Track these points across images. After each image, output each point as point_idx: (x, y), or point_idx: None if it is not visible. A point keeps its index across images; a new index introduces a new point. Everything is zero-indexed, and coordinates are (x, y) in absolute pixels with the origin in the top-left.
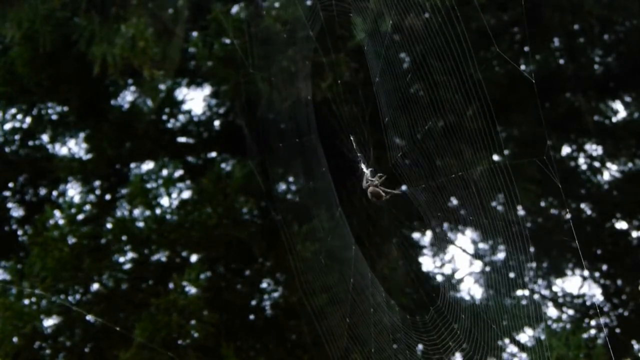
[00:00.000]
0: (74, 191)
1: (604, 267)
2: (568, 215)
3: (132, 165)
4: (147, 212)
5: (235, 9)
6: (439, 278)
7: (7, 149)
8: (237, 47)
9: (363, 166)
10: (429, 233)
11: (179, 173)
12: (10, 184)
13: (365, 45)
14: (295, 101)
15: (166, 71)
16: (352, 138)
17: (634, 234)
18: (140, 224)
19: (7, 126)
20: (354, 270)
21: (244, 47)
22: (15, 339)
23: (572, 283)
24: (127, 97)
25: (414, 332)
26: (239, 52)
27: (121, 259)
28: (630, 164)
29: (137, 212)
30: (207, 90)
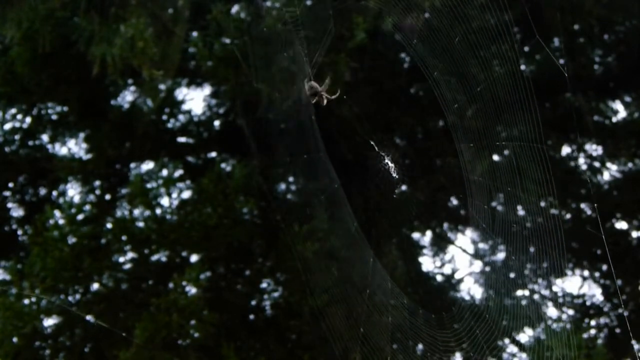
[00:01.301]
0: (74, 191)
1: (604, 267)
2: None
3: (132, 165)
4: (147, 212)
5: (235, 9)
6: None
7: (7, 149)
8: (235, 49)
9: (387, 160)
10: (428, 233)
11: (179, 173)
12: (10, 184)
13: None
14: (297, 103)
15: (166, 71)
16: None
17: (634, 234)
18: (140, 224)
19: (7, 126)
20: (371, 281)
21: (244, 48)
22: (15, 339)
23: (572, 283)
24: (127, 97)
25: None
26: (237, 54)
27: (121, 259)
28: (630, 164)
29: (137, 212)
30: (207, 90)
